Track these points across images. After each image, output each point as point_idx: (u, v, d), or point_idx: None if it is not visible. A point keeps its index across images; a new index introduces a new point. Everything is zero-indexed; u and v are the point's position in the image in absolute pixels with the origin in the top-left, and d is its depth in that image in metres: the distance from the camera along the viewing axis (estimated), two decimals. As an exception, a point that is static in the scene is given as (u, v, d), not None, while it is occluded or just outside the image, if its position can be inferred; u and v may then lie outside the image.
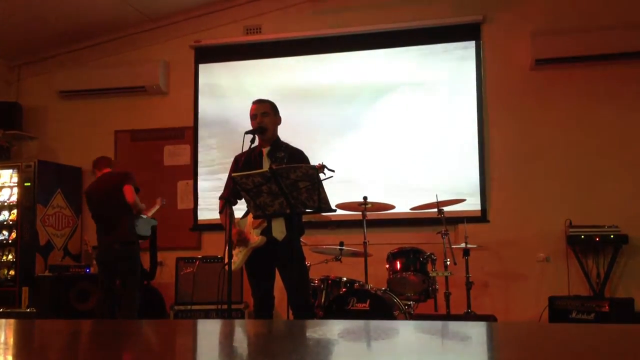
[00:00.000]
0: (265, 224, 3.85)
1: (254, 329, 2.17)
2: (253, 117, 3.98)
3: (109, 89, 6.92)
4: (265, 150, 3.99)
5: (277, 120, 4.07)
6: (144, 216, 5.35)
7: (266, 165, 3.85)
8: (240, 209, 4.09)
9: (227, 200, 3.92)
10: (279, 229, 3.87)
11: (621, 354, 1.42)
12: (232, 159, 4.12)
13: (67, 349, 1.68)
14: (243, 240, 3.87)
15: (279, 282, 4.01)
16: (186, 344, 1.80)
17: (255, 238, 3.85)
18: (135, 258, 5.15)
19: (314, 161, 3.73)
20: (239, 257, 3.86)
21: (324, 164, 3.60)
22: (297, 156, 3.93)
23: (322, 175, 3.55)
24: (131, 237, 5.13)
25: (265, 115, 3.97)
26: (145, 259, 5.82)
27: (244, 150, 3.85)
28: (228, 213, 3.86)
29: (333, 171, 3.58)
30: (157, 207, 5.76)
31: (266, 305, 3.95)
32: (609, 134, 5.93)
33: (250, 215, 3.87)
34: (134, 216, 5.17)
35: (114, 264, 5.12)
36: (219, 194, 4.10)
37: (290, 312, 4.06)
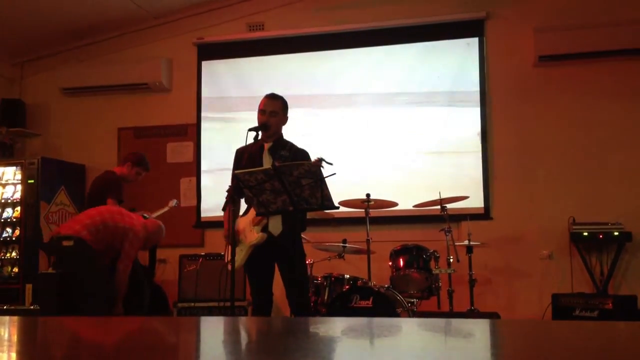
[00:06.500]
0: (265, 221, 3.83)
1: (257, 327, 2.17)
2: (261, 111, 3.95)
3: (112, 86, 6.92)
4: (267, 146, 3.98)
5: (284, 119, 4.04)
6: (146, 215, 5.34)
7: (267, 161, 3.86)
8: (244, 205, 4.09)
9: (230, 198, 3.92)
10: (275, 225, 3.86)
11: (625, 352, 1.41)
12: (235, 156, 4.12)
13: (71, 346, 1.68)
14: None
15: (279, 280, 4.00)
16: (190, 341, 1.80)
17: (255, 235, 3.83)
18: None
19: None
20: (239, 255, 3.83)
21: (321, 157, 3.54)
22: (301, 156, 3.92)
23: (324, 171, 3.47)
24: None
25: (273, 114, 3.93)
26: (144, 257, 5.81)
27: (246, 145, 3.84)
28: (231, 210, 3.86)
29: (331, 164, 3.50)
30: (166, 208, 5.71)
31: (264, 302, 3.94)
32: (612, 130, 5.91)
33: (251, 212, 3.87)
34: None
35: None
36: (222, 191, 4.10)
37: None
